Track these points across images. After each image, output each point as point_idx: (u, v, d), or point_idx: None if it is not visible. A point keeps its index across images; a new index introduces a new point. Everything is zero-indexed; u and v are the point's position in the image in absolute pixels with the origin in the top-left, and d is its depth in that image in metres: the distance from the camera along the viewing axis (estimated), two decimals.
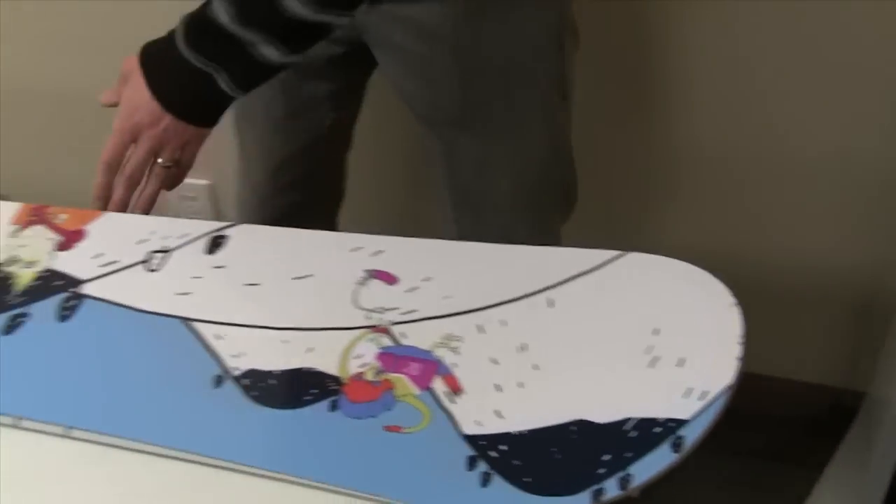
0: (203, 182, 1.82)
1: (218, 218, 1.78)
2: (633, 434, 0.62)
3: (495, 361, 0.69)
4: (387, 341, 0.72)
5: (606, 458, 0.62)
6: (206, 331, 0.76)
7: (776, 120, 1.46)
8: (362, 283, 0.75)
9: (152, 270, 0.81)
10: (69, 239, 0.86)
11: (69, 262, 0.83)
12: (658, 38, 1.48)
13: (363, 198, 1.41)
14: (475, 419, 0.66)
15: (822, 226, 1.51)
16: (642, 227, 1.60)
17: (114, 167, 0.92)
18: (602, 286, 0.70)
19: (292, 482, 0.68)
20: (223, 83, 0.90)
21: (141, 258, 0.82)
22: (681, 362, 0.64)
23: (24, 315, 0.81)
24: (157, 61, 0.92)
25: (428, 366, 0.70)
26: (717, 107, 1.49)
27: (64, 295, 0.81)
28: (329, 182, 1.33)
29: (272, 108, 1.22)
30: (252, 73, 0.91)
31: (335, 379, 0.71)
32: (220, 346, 0.75)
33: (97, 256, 0.83)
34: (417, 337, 0.71)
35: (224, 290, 0.78)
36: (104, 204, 0.92)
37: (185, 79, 0.90)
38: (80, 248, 0.85)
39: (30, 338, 0.80)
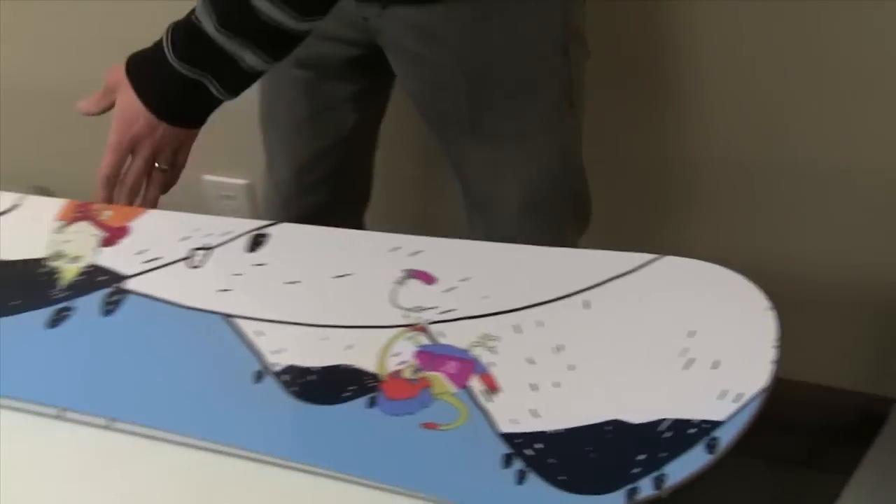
0: (242, 182, 1.83)
1: (256, 217, 1.79)
2: (668, 434, 0.63)
3: (531, 361, 0.70)
4: (425, 340, 0.73)
5: (641, 457, 0.63)
6: (247, 327, 0.77)
7: (796, 124, 1.45)
8: (401, 282, 0.76)
9: (194, 267, 0.83)
10: (113, 235, 0.87)
11: (113, 258, 0.85)
12: (673, 44, 1.48)
13: (390, 199, 1.42)
14: (511, 417, 0.67)
15: (851, 230, 1.50)
16: (658, 235, 1.59)
17: (114, 180, 0.95)
18: (638, 288, 0.70)
19: (330, 477, 0.69)
20: (214, 90, 0.93)
21: (183, 255, 0.83)
22: (716, 364, 0.65)
23: (68, 309, 0.82)
24: (146, 72, 0.95)
25: (465, 364, 0.71)
26: (734, 112, 1.48)
27: (108, 290, 0.83)
28: (354, 183, 1.34)
29: (295, 109, 1.24)
30: (240, 79, 0.93)
31: (373, 376, 0.72)
32: (260, 343, 0.76)
33: (140, 253, 0.85)
34: (455, 336, 0.72)
35: (265, 287, 0.80)
36: None
37: (177, 88, 0.93)
38: (124, 244, 0.86)
39: (74, 331, 0.81)
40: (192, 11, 0.92)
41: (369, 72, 1.22)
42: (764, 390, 0.62)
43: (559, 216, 1.20)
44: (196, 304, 0.79)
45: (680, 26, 1.46)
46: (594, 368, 0.68)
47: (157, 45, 0.93)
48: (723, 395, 0.63)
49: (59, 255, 0.87)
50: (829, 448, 1.57)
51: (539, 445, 0.66)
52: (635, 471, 0.62)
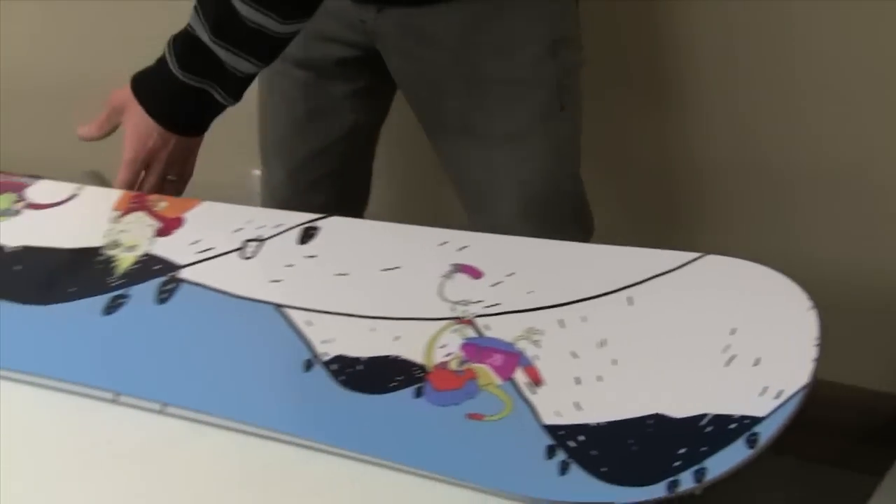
0: None
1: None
2: (709, 429, 0.64)
3: (575, 355, 0.71)
4: (471, 332, 0.74)
5: (682, 451, 0.64)
6: (297, 317, 0.79)
7: (809, 122, 1.45)
8: (448, 276, 0.78)
9: (247, 258, 0.85)
10: (168, 225, 0.89)
11: (168, 248, 0.87)
12: (675, 45, 1.48)
13: (390, 200, 1.41)
14: (555, 410, 0.69)
15: (884, 229, 1.50)
16: (671, 236, 1.59)
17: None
18: (681, 286, 0.72)
19: (376, 464, 0.70)
20: (218, 96, 0.96)
21: (236, 246, 0.85)
22: (757, 362, 0.66)
23: (124, 297, 0.85)
24: (153, 89, 0.98)
25: (510, 357, 0.72)
26: (737, 113, 1.48)
27: (162, 279, 0.85)
28: (351, 185, 1.34)
29: (293, 109, 1.26)
30: (239, 83, 0.97)
31: (420, 367, 0.73)
32: (310, 332, 0.78)
33: (194, 243, 0.87)
34: (500, 329, 0.74)
35: (315, 278, 0.81)
36: None
37: (184, 98, 0.97)
38: (179, 234, 0.88)
39: (129, 318, 0.83)
40: (189, 23, 0.96)
41: (368, 73, 1.23)
42: (805, 387, 0.63)
43: (560, 220, 1.20)
44: (248, 294, 0.81)
45: (680, 26, 1.46)
46: (637, 363, 0.69)
47: (160, 60, 0.97)
48: (764, 391, 0.64)
49: (115, 245, 0.89)
50: (861, 448, 1.57)
51: (581, 437, 0.67)
52: (676, 464, 0.63)
